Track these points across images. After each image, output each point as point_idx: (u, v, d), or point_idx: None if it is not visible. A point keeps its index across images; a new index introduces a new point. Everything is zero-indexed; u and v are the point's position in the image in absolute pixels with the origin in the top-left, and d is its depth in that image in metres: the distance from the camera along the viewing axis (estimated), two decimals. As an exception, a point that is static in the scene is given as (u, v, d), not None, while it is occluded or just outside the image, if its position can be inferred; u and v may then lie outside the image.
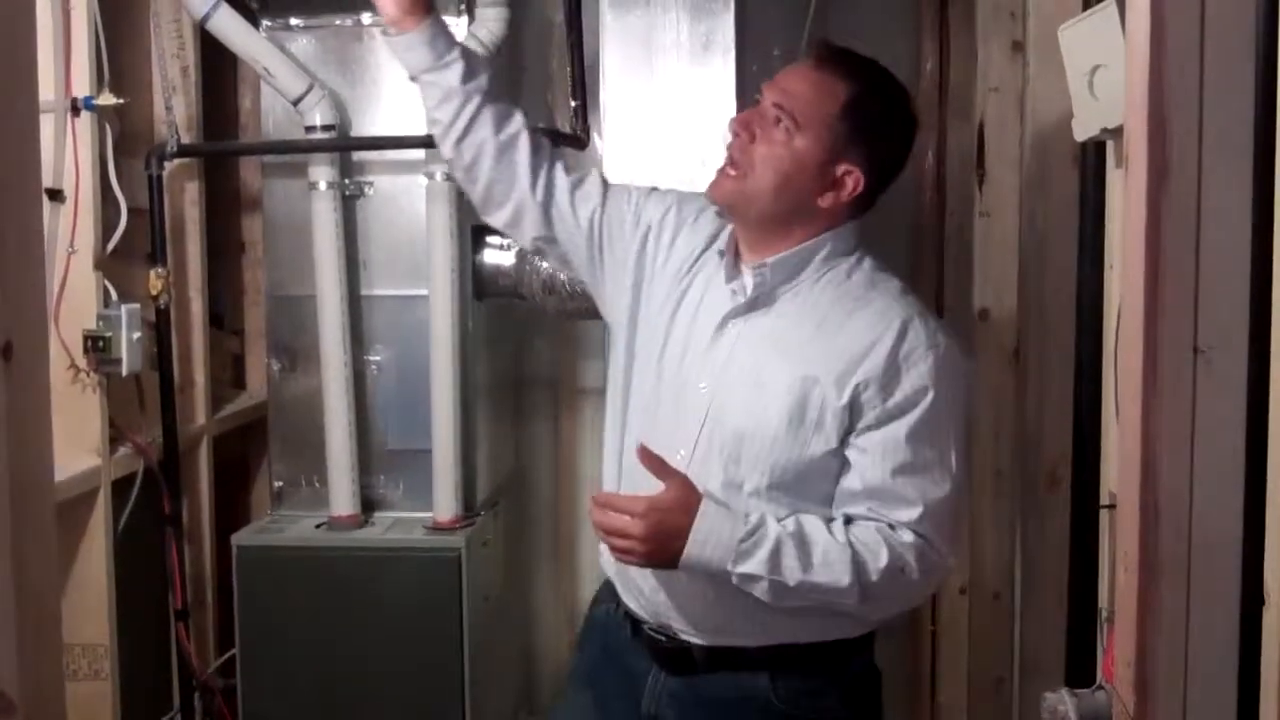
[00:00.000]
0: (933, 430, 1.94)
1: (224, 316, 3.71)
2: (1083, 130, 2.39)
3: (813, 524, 1.92)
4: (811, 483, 1.97)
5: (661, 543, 1.88)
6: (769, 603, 1.92)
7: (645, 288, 2.16)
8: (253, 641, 3.11)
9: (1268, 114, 1.43)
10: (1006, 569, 3.38)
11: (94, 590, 2.88)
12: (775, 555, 1.88)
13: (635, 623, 2.14)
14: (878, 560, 1.90)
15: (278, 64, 3.10)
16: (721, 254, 2.08)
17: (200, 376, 3.38)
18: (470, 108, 2.16)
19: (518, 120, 2.21)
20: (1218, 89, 1.43)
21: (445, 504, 3.15)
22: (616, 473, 2.14)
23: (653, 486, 1.91)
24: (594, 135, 3.32)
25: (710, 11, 3.07)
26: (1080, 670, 2.53)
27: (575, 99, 3.25)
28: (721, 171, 2.02)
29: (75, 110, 2.77)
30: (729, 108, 3.00)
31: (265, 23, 3.19)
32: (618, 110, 3.16)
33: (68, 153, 2.76)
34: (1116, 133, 2.24)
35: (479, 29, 3.12)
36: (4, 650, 1.08)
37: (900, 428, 1.92)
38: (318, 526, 3.18)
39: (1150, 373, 1.44)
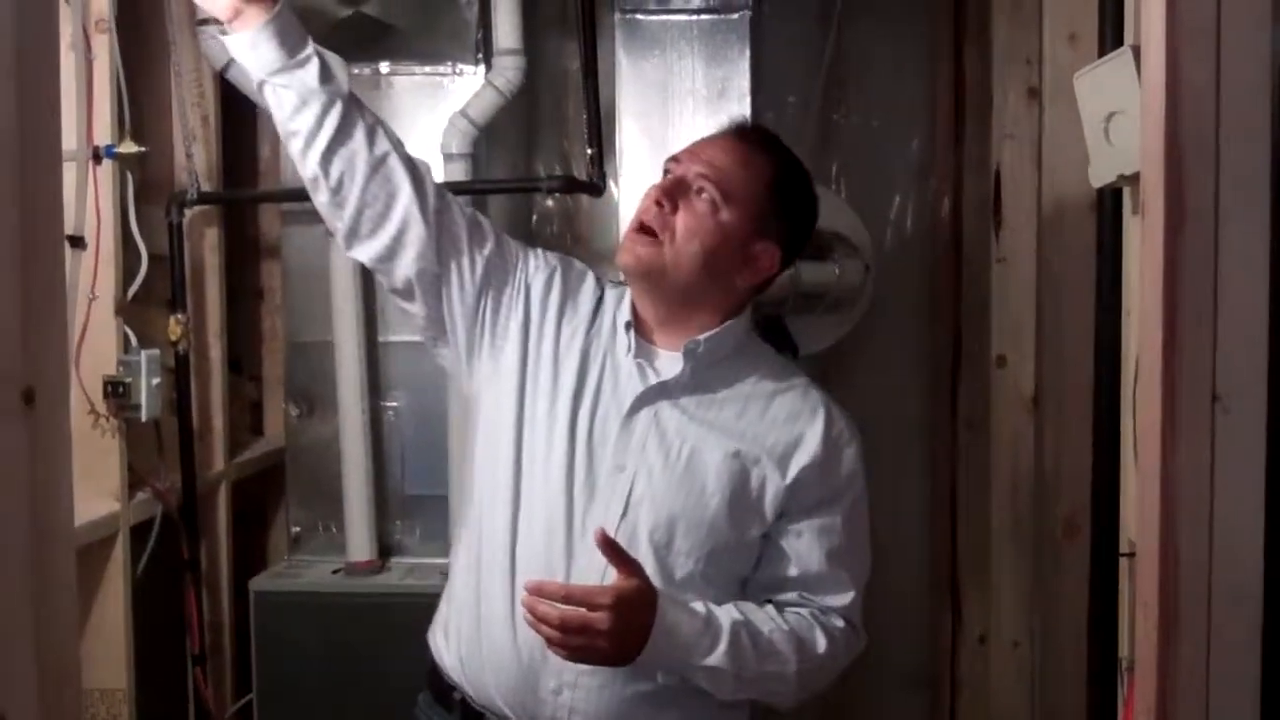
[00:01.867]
0: (862, 514, 1.93)
1: (242, 362, 3.72)
2: (1099, 177, 2.39)
3: (754, 611, 1.85)
4: (735, 569, 1.89)
5: (626, 639, 1.70)
6: (717, 694, 1.83)
7: (531, 359, 1.92)
8: (270, 686, 3.11)
9: (1284, 162, 1.43)
10: (1026, 617, 3.36)
11: (112, 635, 2.88)
12: (734, 646, 1.78)
13: None
14: (817, 647, 1.86)
15: (297, 112, 3.12)
16: (628, 326, 1.91)
17: (219, 422, 3.39)
18: (336, 112, 1.81)
19: (390, 136, 1.88)
20: (1234, 134, 1.44)
21: (462, 550, 3.14)
22: (508, 563, 1.85)
23: (550, 576, 1.78)
24: (610, 182, 3.34)
25: (726, 58, 3.09)
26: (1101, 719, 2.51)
27: (591, 146, 3.26)
28: (634, 237, 1.86)
29: (97, 158, 2.80)
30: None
31: (286, 71, 3.22)
32: (634, 157, 3.18)
33: (89, 200, 2.78)
34: (1133, 179, 2.24)
35: (495, 77, 3.14)
36: (23, 695, 1.08)
37: (836, 512, 1.89)
38: (335, 572, 3.19)
39: (1169, 420, 1.43)
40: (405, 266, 1.88)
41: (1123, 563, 2.46)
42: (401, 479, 3.26)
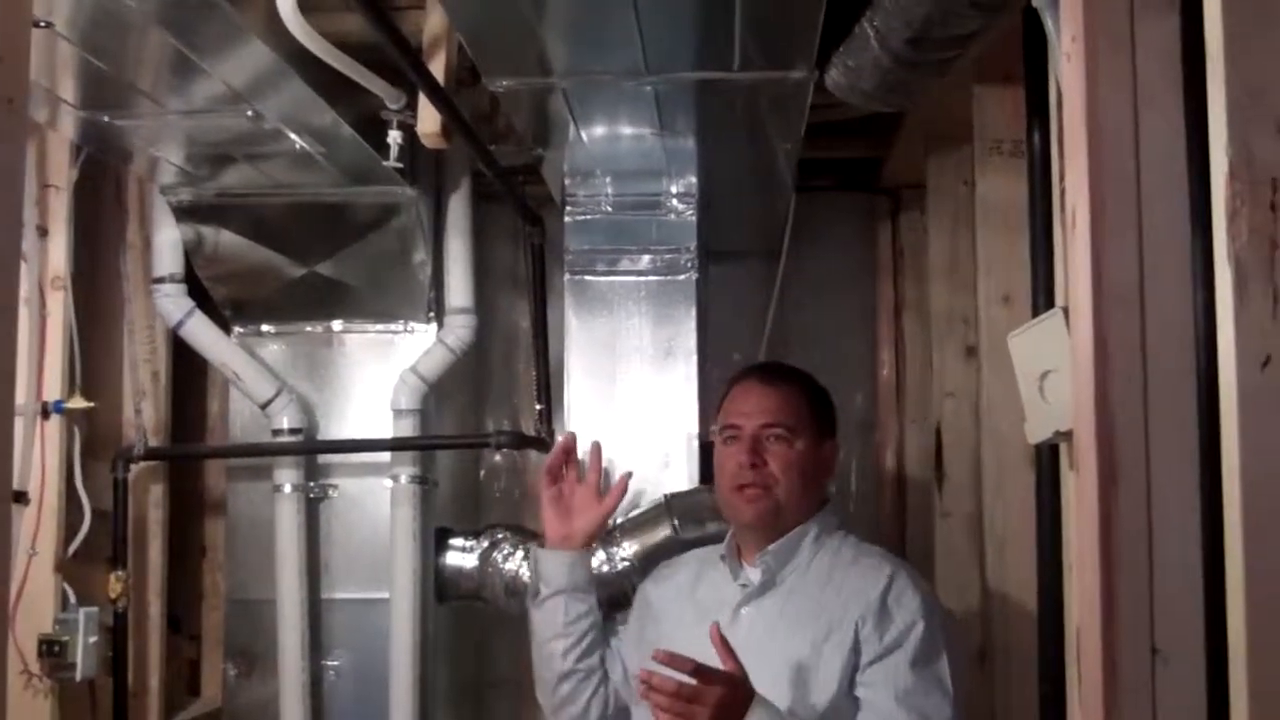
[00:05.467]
0: (929, 657, 2.15)
1: (182, 620, 3.66)
2: (1035, 434, 2.43)
3: None
4: None
5: (724, 716, 1.95)
6: None
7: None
8: None
9: (1211, 420, 1.47)
10: None
11: None
12: None
13: None
14: None
15: (247, 369, 3.15)
16: (723, 557, 2.36)
17: (154, 682, 3.31)
18: (595, 633, 2.51)
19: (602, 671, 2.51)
20: (1161, 391, 1.48)
21: (402, 815, 3.04)
22: None
23: None
24: (558, 438, 3.36)
25: (672, 319, 3.15)
26: None
27: (540, 402, 3.31)
28: (749, 495, 2.28)
29: (45, 414, 2.81)
30: (691, 411, 3.05)
31: (237, 329, 3.26)
32: (582, 413, 3.19)
33: (35, 455, 2.77)
34: (1069, 435, 2.28)
35: (446, 334, 3.19)
36: None
37: (900, 657, 2.13)
38: (269, 840, 3.08)
39: (1110, 673, 1.44)
40: None
41: (1075, 822, 2.42)
42: (341, 740, 3.18)
